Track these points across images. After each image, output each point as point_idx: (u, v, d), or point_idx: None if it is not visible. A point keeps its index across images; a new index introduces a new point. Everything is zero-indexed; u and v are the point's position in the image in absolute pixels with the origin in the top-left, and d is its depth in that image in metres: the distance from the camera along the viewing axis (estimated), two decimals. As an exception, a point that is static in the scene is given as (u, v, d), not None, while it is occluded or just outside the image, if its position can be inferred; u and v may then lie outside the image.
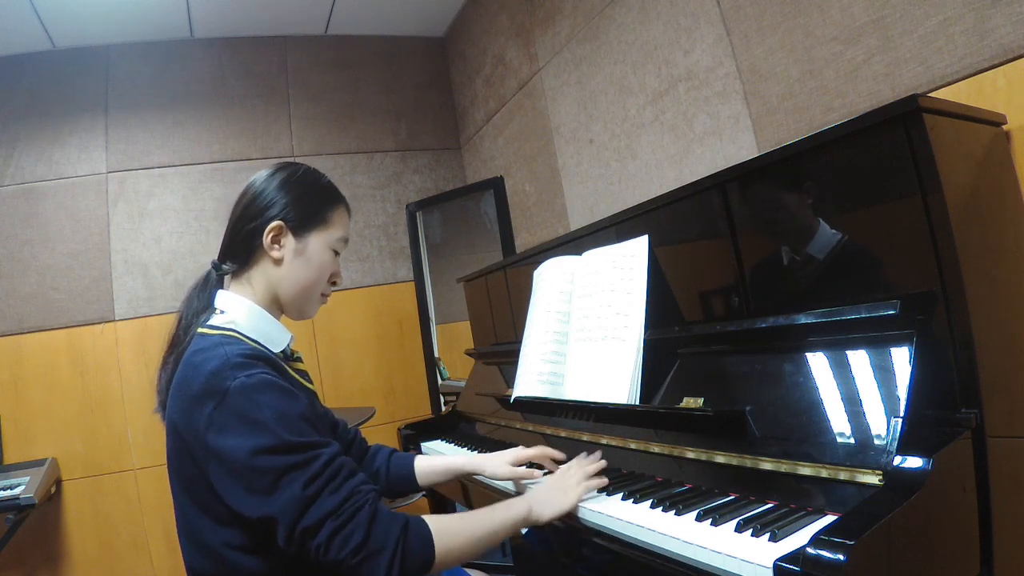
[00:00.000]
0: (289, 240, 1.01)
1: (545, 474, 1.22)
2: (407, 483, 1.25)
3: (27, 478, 2.29)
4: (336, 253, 1.06)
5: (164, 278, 2.84)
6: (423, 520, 0.88)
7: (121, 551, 2.63)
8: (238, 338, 0.94)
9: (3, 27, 2.58)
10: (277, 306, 1.05)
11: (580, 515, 1.03)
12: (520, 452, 1.24)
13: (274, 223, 0.99)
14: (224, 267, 1.03)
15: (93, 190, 2.81)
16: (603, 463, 1.13)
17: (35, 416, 2.61)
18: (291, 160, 1.06)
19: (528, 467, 1.24)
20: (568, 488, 1.05)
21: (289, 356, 1.08)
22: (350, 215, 1.10)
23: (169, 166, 2.93)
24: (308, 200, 1.03)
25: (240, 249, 1.02)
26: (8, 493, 2.17)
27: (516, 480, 1.23)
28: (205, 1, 2.76)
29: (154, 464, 2.68)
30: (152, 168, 2.90)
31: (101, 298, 2.75)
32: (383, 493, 1.25)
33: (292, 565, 0.88)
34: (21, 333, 2.65)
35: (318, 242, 1.03)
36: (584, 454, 1.16)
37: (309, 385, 1.09)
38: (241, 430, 0.82)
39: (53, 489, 2.48)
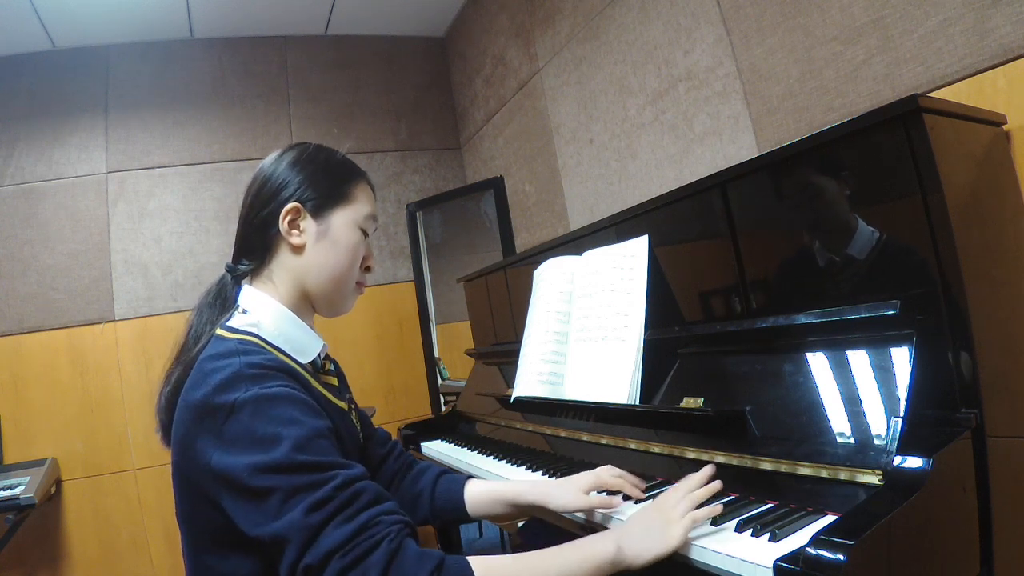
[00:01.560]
0: (309, 223, 0.90)
1: (624, 499, 0.99)
2: (455, 511, 1.06)
3: (27, 478, 2.29)
4: (365, 234, 0.95)
5: (164, 278, 2.84)
6: (464, 562, 0.70)
7: (121, 551, 2.63)
8: (259, 345, 0.84)
9: (3, 27, 2.58)
10: (307, 305, 0.94)
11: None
12: (596, 479, 1.00)
13: (290, 205, 0.89)
14: (240, 267, 0.93)
15: (93, 190, 2.81)
16: (715, 485, 0.87)
17: (35, 416, 2.61)
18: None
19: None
20: (670, 521, 0.80)
21: (319, 368, 0.97)
22: (374, 191, 0.99)
23: (169, 166, 2.93)
24: (325, 176, 0.93)
25: (256, 243, 0.92)
26: (8, 493, 2.17)
27: (590, 510, 0.99)
28: (205, 1, 2.75)
29: (154, 464, 2.68)
30: (152, 168, 2.90)
31: (101, 298, 2.75)
32: (427, 521, 1.09)
33: None
34: (21, 333, 2.64)
35: (342, 220, 0.92)
36: (691, 477, 0.90)
37: (339, 402, 0.97)
38: (246, 446, 0.72)
39: (53, 489, 2.48)
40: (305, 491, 0.70)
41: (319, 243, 0.91)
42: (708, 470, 0.91)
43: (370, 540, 0.68)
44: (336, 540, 0.67)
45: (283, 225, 0.90)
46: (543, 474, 1.28)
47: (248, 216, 0.93)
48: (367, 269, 0.98)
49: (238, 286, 0.94)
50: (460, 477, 1.11)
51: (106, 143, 2.85)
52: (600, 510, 0.97)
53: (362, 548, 0.67)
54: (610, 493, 0.99)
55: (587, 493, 0.98)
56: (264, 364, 0.79)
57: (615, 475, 1.01)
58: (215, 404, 0.75)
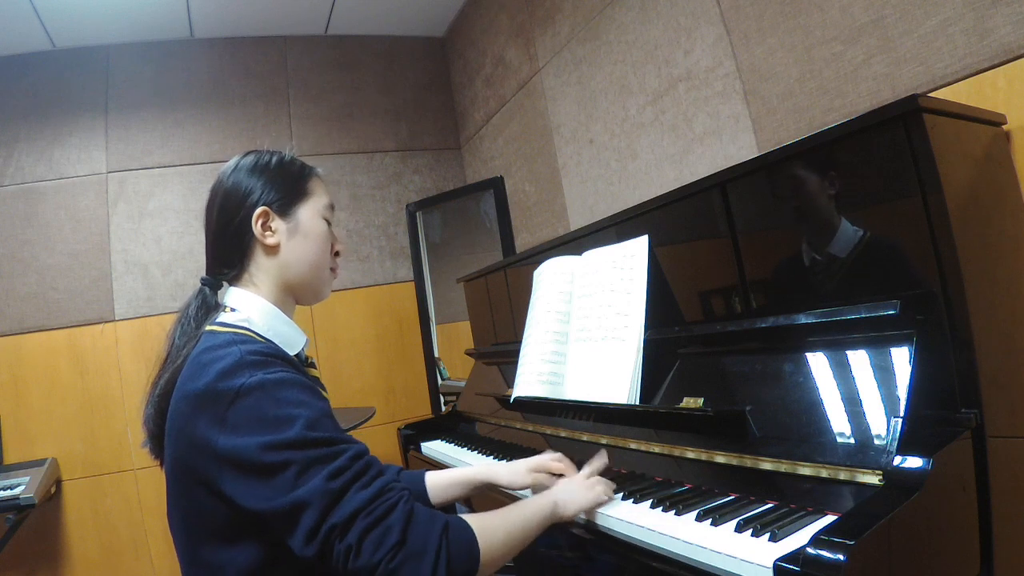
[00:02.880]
0: (279, 223, 0.96)
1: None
2: (418, 499, 1.14)
3: (27, 478, 2.29)
4: (328, 223, 1.02)
5: (164, 278, 2.84)
6: (463, 519, 0.81)
7: (121, 551, 2.63)
8: (252, 336, 0.87)
9: (3, 27, 2.58)
10: (290, 299, 1.00)
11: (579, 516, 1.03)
12: (540, 461, 1.15)
13: (259, 209, 0.94)
14: (220, 277, 0.98)
15: (93, 190, 2.81)
16: (604, 459, 1.10)
17: (35, 416, 2.61)
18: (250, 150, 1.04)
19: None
20: (589, 485, 1.02)
21: (303, 361, 1.02)
22: (324, 183, 1.05)
23: (169, 166, 2.93)
24: (282, 177, 0.98)
25: (232, 251, 0.96)
26: (8, 493, 2.17)
27: (536, 487, 1.14)
28: (205, 1, 2.75)
29: (154, 464, 2.65)
30: (152, 168, 2.90)
31: (101, 298, 2.75)
32: None
33: None
34: (21, 333, 2.64)
35: (308, 214, 0.98)
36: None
37: (324, 393, 0.99)
38: (255, 427, 0.76)
39: (53, 489, 2.48)
40: (322, 462, 0.75)
41: (292, 239, 0.97)
42: (602, 452, 1.12)
43: (387, 503, 0.76)
44: (360, 502, 0.74)
45: (256, 228, 0.95)
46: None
47: (219, 228, 0.97)
48: (336, 254, 1.05)
49: (217, 298, 0.98)
50: (419, 471, 1.21)
51: (106, 143, 2.85)
52: (543, 487, 1.11)
53: (382, 509, 0.75)
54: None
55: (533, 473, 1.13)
56: (264, 351, 0.83)
57: (555, 458, 1.15)
58: (219, 391, 0.78)
